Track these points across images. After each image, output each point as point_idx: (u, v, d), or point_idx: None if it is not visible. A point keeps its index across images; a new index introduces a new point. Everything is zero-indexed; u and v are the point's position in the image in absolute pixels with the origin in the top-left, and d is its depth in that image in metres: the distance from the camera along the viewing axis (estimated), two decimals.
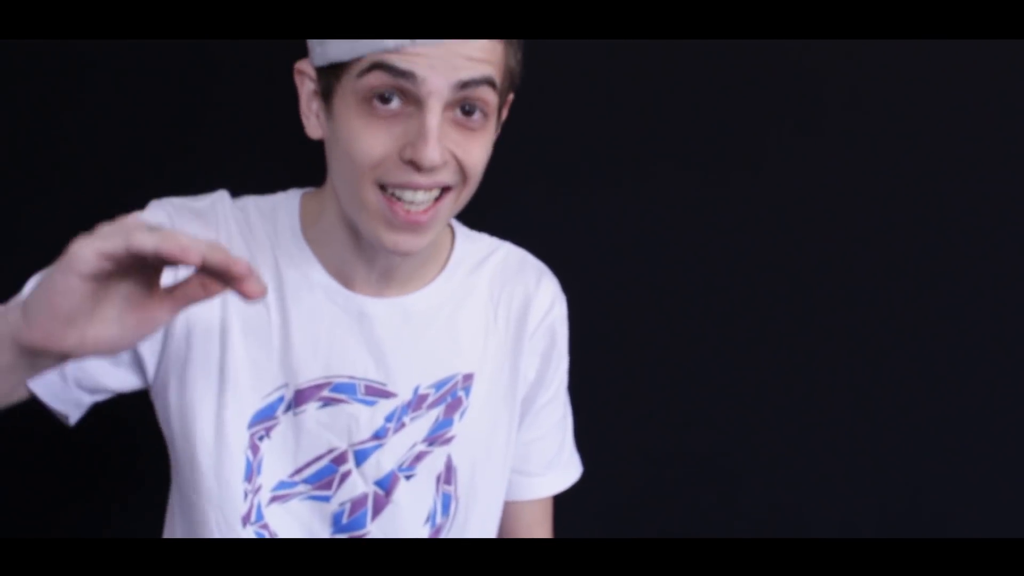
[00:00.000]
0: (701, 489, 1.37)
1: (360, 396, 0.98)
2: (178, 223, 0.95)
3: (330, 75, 0.87)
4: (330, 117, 0.89)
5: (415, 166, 0.86)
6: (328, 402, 0.97)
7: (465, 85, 0.85)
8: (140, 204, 1.21)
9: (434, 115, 0.85)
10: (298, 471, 0.98)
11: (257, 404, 0.96)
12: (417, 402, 1.01)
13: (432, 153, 0.85)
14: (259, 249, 0.98)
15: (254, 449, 0.96)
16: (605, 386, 1.33)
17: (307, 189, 1.03)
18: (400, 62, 0.83)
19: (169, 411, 0.96)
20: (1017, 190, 1.30)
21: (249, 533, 0.95)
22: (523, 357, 1.07)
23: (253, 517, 0.96)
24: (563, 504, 1.14)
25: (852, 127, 1.30)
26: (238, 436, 0.95)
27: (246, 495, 0.95)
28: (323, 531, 0.99)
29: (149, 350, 0.95)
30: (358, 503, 0.99)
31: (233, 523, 0.95)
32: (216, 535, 0.96)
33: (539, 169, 1.30)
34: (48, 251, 1.33)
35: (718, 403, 1.35)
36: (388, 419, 0.99)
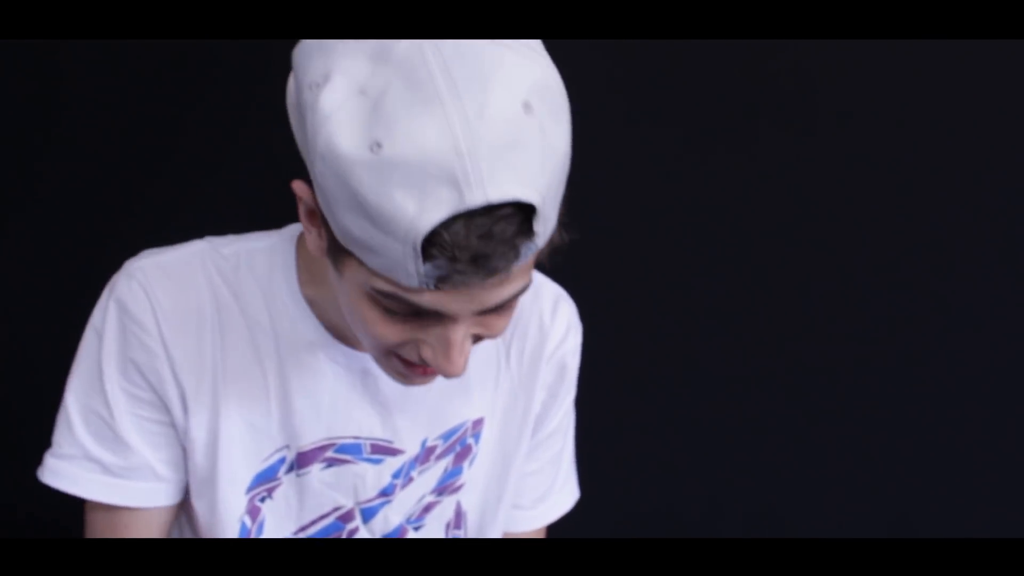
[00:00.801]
0: (700, 497, 1.37)
1: (366, 456, 0.94)
2: (156, 296, 0.88)
3: (338, 246, 0.76)
4: (338, 274, 0.79)
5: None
6: (332, 463, 0.94)
7: (496, 308, 0.76)
8: (131, 205, 1.15)
9: (458, 334, 0.77)
10: (302, 529, 0.95)
11: (257, 467, 0.92)
12: (425, 455, 0.97)
13: (455, 370, 0.78)
14: (252, 307, 0.91)
15: (253, 513, 0.93)
16: (605, 395, 1.31)
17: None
18: (423, 301, 0.73)
19: None
20: (1017, 190, 1.27)
21: None
22: (535, 393, 1.02)
23: None
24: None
25: (852, 129, 1.28)
26: (233, 505, 0.92)
27: None
28: None
29: (181, 417, 0.91)
30: None
31: None
32: None
33: None
34: (38, 250, 1.29)
35: (718, 411, 1.35)
36: (395, 476, 0.96)
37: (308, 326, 0.91)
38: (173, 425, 0.91)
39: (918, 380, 1.34)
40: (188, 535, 0.99)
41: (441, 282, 0.71)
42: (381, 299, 0.75)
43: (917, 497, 1.36)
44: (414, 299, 0.73)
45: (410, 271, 0.71)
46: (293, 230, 0.95)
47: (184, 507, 0.97)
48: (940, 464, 1.35)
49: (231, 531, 0.93)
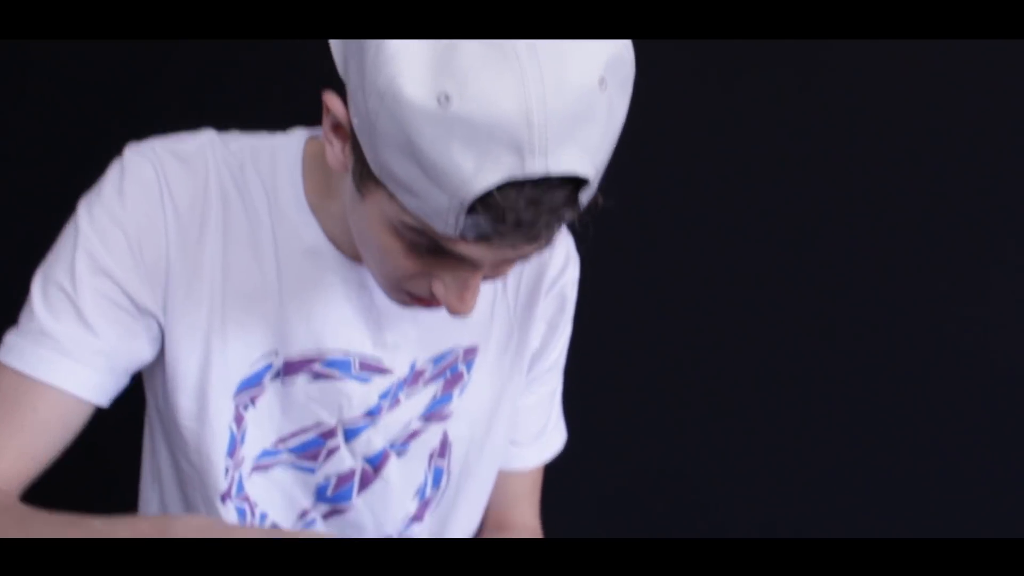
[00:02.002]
0: (697, 486, 1.37)
1: (354, 373, 0.92)
2: (165, 175, 0.86)
3: (368, 172, 0.73)
4: (359, 196, 0.76)
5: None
6: (319, 376, 0.91)
7: (520, 258, 0.76)
8: None
9: (477, 278, 0.76)
10: (282, 440, 0.93)
11: (244, 371, 0.90)
12: (413, 378, 0.95)
13: (466, 309, 0.77)
14: (254, 206, 0.89)
15: (239, 420, 0.91)
16: (602, 376, 1.30)
17: (313, 132, 0.93)
18: (453, 248, 0.72)
19: (155, 378, 0.91)
20: (1017, 190, 1.27)
21: (230, 509, 0.92)
22: (533, 325, 1.00)
23: (233, 492, 0.92)
24: (553, 498, 1.11)
25: (854, 129, 1.28)
26: (222, 408, 0.89)
27: (227, 471, 0.91)
28: (305, 501, 0.95)
29: (161, 312, 0.87)
30: (344, 477, 0.95)
31: (213, 500, 0.91)
32: (201, 509, 0.92)
33: None
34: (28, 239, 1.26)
35: (714, 398, 1.35)
36: (383, 396, 0.93)
37: (309, 232, 0.89)
38: (139, 315, 0.86)
39: (918, 380, 1.34)
40: (170, 491, 0.96)
41: (480, 239, 0.71)
42: (406, 233, 0.74)
43: (916, 497, 1.36)
44: (444, 244, 0.73)
45: (450, 222, 0.70)
46: (301, 134, 0.92)
47: (157, 449, 0.95)
48: (939, 464, 1.35)
49: (220, 441, 0.89)
